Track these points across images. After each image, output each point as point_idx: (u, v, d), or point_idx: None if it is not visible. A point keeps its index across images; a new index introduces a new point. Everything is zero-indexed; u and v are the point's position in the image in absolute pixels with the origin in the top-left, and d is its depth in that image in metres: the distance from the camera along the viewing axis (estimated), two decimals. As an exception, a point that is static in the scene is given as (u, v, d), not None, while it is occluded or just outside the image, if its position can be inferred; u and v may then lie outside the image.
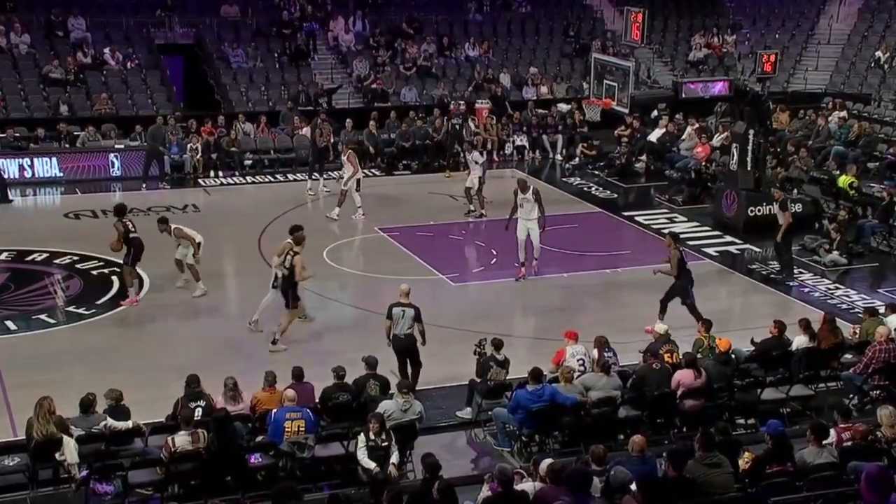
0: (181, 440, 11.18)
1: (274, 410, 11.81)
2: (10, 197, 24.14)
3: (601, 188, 25.86)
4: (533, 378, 12.51)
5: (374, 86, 30.67)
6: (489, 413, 13.08)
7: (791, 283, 18.88)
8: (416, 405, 12.27)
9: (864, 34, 35.09)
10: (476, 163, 22.45)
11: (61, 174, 25.60)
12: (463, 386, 13.77)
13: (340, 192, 22.39)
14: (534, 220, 18.47)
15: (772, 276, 19.38)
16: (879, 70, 32.55)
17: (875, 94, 31.07)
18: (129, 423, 11.84)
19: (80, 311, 17.14)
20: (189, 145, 26.25)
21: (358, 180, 22.20)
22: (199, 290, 17.61)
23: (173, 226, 17.83)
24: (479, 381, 13.43)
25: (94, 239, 20.22)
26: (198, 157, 26.27)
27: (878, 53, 33.01)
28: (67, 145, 26.20)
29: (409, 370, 14.03)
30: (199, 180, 25.90)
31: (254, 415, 12.31)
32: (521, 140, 29.08)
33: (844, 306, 17.82)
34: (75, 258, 19.50)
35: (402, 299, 14.19)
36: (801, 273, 19.37)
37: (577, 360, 13.53)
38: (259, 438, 11.95)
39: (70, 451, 11.26)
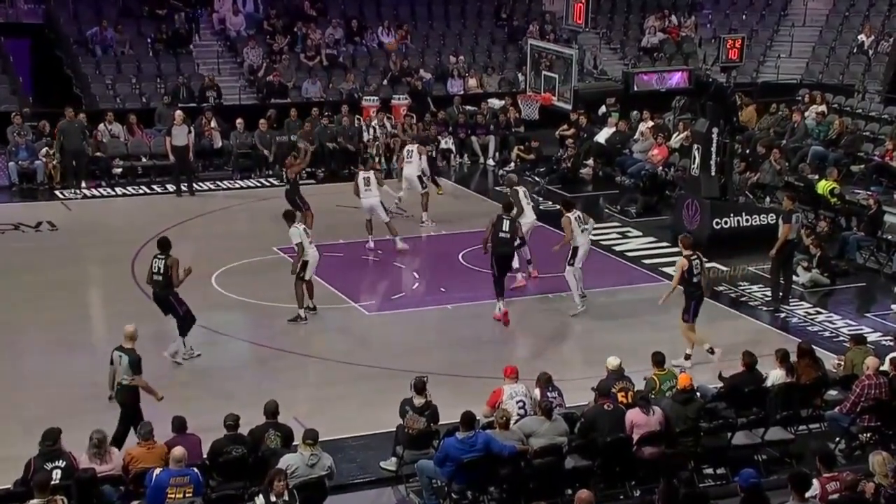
0: (35, 510, 10.97)
1: (156, 471, 11.62)
2: None
3: (541, 198, 26.03)
4: (464, 424, 12.51)
5: (269, 78, 30.59)
6: (413, 466, 13.08)
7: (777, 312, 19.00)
8: (326, 459, 12.24)
9: (844, 14, 35.87)
10: None
11: None
12: (382, 434, 13.77)
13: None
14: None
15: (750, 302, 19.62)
16: (863, 57, 33.24)
17: (858, 85, 31.65)
18: (-32, 491, 11.60)
19: None
20: (43, 150, 25.91)
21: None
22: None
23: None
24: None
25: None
26: (53, 163, 25.91)
27: (861, 37, 33.72)
28: None
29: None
30: (56, 192, 25.58)
31: (127, 475, 12.12)
32: (447, 142, 29.14)
33: (827, 334, 18.11)
34: None
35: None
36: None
37: (517, 402, 13.55)
38: (134, 504, 11.81)
39: None
